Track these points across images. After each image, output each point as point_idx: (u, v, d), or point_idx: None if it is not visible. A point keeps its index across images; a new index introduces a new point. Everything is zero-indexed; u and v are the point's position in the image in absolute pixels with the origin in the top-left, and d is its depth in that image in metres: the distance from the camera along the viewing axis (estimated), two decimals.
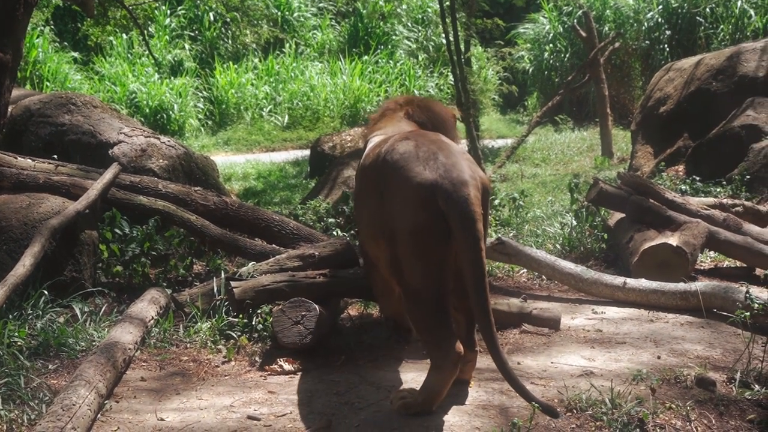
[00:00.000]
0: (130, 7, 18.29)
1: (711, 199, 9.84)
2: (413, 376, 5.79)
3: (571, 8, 24.83)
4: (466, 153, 5.32)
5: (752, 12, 22.31)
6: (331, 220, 9.67)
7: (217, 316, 6.82)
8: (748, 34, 21.94)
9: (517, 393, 4.89)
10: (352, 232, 9.24)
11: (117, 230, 8.05)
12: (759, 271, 8.67)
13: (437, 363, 5.00)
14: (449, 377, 4.99)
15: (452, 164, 4.97)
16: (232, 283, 6.70)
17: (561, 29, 25.88)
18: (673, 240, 8.19)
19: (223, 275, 7.39)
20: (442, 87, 25.81)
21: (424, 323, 5.08)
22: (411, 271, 5.05)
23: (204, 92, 23.98)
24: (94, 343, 6.23)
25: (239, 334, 6.57)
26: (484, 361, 6.09)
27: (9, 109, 6.43)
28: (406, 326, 6.35)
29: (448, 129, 6.26)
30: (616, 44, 20.37)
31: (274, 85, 24.52)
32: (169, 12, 25.67)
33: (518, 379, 4.91)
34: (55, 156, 8.96)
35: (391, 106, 6.50)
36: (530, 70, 26.75)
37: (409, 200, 4.97)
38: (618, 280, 7.73)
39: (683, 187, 11.00)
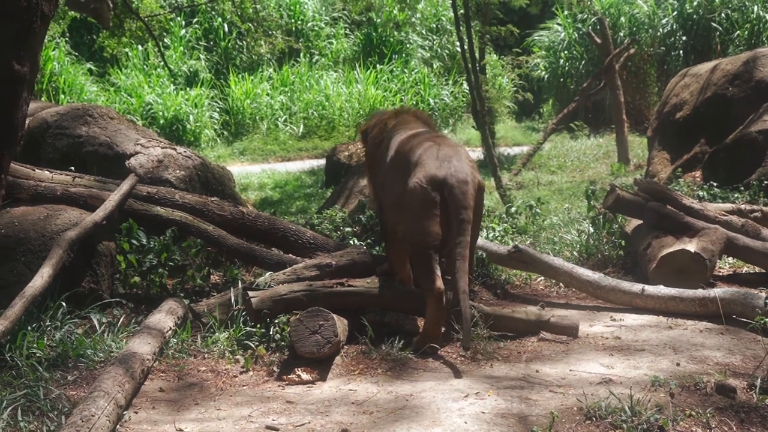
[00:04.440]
0: (146, 19, 18.37)
1: (729, 205, 9.79)
2: (431, 385, 5.78)
3: (585, 15, 24.79)
4: (469, 156, 7.07)
5: None
6: (347, 229, 9.66)
7: (234, 326, 6.83)
8: (764, 39, 21.87)
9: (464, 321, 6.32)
10: (369, 240, 9.24)
11: (134, 241, 8.06)
12: None
13: (426, 294, 6.67)
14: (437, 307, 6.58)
15: (458, 167, 6.77)
16: (250, 293, 6.71)
17: (576, 36, 25.82)
18: (692, 246, 8.15)
19: (240, 285, 7.39)
20: (456, 95, 25.80)
21: (419, 265, 6.88)
22: (417, 230, 6.80)
23: (219, 103, 23.99)
24: (112, 354, 6.24)
25: (257, 344, 6.57)
26: (502, 369, 6.09)
27: (26, 122, 6.45)
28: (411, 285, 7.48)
29: (432, 125, 8.06)
30: (631, 50, 20.34)
31: (289, 94, 24.54)
32: (184, 23, 25.73)
33: (468, 306, 6.40)
34: (73, 168, 8.98)
35: (399, 110, 8.15)
36: (545, 77, 26.69)
37: (423, 184, 6.72)
38: (636, 287, 7.71)
39: (701, 193, 10.95)
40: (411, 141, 7.14)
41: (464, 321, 6.29)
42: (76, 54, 24.93)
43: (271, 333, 6.63)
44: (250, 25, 20.94)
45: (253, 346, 6.56)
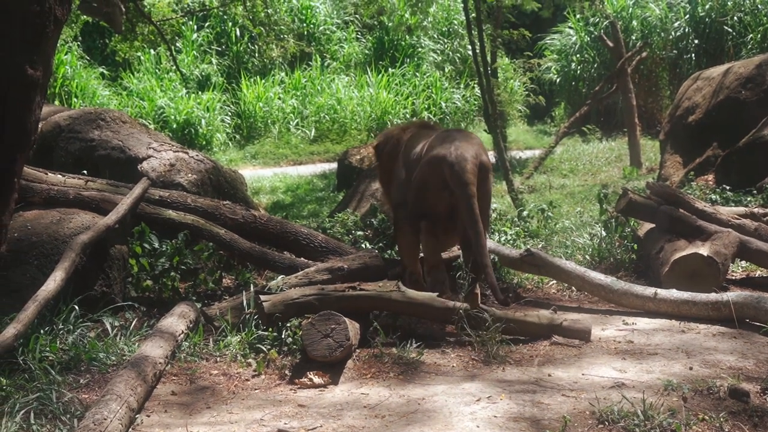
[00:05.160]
0: (158, 23, 18.40)
1: (742, 209, 9.76)
2: (443, 389, 5.78)
3: (597, 19, 24.72)
4: (478, 142, 7.64)
5: None
6: (359, 233, 9.67)
7: (246, 329, 6.82)
8: None
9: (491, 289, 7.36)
10: (381, 244, 9.24)
11: (146, 245, 8.08)
12: None
13: (404, 265, 7.87)
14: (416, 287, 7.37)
15: (460, 146, 7.34)
16: (262, 297, 6.72)
17: (588, 39, 25.75)
18: (704, 250, 8.13)
19: (252, 289, 7.39)
20: (468, 99, 25.75)
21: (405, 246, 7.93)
22: (415, 200, 7.62)
23: (231, 106, 23.99)
24: (124, 358, 6.25)
25: (269, 347, 6.58)
26: (514, 373, 6.08)
27: (39, 126, 6.48)
28: (420, 281, 7.80)
29: (438, 128, 8.69)
30: (643, 54, 20.28)
31: (300, 98, 24.52)
32: (196, 27, 25.74)
33: (494, 276, 7.35)
34: (85, 171, 9.00)
35: (407, 125, 8.85)
36: (557, 80, 26.60)
37: (425, 166, 7.45)
38: (649, 290, 7.69)
39: (713, 196, 10.92)
40: (433, 142, 7.65)
41: (493, 289, 7.31)
42: (89, 58, 24.97)
43: (283, 337, 6.63)
44: (262, 29, 20.94)
45: (265, 349, 6.56)
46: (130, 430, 5.11)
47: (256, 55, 25.89)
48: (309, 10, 27.09)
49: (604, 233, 9.62)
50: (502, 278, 8.70)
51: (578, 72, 25.98)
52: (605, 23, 23.28)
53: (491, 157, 17.22)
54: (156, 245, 8.11)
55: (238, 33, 25.83)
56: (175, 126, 22.24)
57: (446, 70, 26.68)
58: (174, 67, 22.48)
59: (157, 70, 24.71)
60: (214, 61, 25.45)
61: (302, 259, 8.32)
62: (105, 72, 24.87)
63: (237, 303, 7.19)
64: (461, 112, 25.53)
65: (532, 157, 19.83)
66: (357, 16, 27.54)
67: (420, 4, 23.76)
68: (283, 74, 25.41)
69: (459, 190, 7.22)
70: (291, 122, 23.78)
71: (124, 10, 14.87)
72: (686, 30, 23.81)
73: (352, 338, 6.29)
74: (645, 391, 5.35)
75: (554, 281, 8.76)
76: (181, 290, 8.09)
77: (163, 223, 8.28)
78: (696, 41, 23.58)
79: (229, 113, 23.82)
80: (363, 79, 25.14)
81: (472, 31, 14.83)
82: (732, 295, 7.33)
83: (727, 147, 12.47)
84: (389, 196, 8.60)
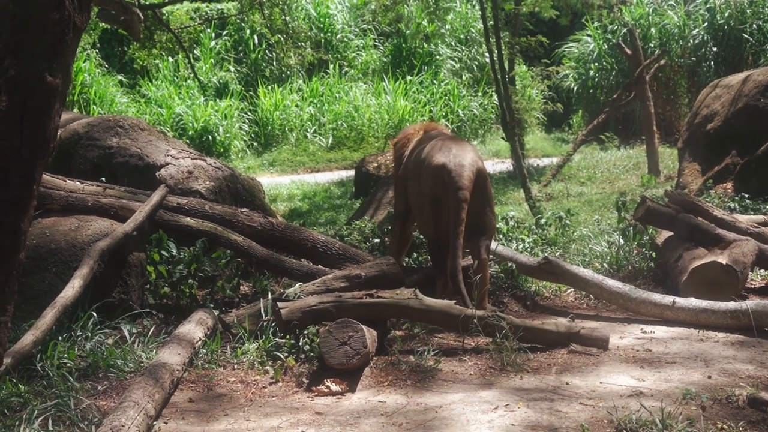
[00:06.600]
0: (176, 31, 18.48)
1: (761, 217, 9.72)
2: (460, 397, 5.76)
3: (616, 26, 24.67)
4: (473, 149, 8.14)
5: None
6: (376, 240, 9.66)
7: (264, 337, 6.83)
8: None
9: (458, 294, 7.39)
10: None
11: (164, 252, 8.09)
12: None
13: (436, 276, 7.96)
14: (442, 285, 7.73)
15: (458, 154, 7.78)
16: (279, 304, 6.72)
17: (606, 47, 25.69)
18: (723, 258, 8.09)
19: (269, 296, 7.40)
20: (486, 106, 25.75)
21: (433, 256, 8.16)
22: (427, 224, 8.14)
23: (249, 114, 24.04)
24: (142, 365, 6.26)
25: (286, 355, 6.58)
26: (532, 381, 6.06)
27: (58, 133, 6.49)
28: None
29: (445, 132, 9.11)
30: (662, 61, 20.23)
31: (318, 106, 24.55)
32: (214, 35, 25.84)
33: (461, 282, 7.47)
34: (103, 178, 9.04)
35: (420, 127, 9.12)
36: (575, 88, 26.53)
37: (429, 175, 7.83)
38: (667, 299, 7.66)
39: (732, 204, 10.88)
40: (432, 151, 8.03)
41: (460, 294, 7.38)
42: (107, 66, 25.09)
43: (300, 344, 6.63)
44: (280, 36, 21.01)
45: (282, 357, 6.56)
46: None
47: (274, 62, 25.97)
48: (326, 18, 27.16)
49: (622, 241, 9.60)
50: (520, 286, 8.69)
51: (596, 80, 25.93)
52: (623, 31, 23.23)
53: (508, 165, 17.37)
54: (174, 252, 8.13)
55: (255, 41, 25.92)
56: (192, 133, 22.31)
57: (464, 77, 26.70)
58: (192, 75, 22.57)
59: (175, 78, 24.81)
60: (231, 68, 25.54)
61: (320, 266, 8.32)
62: (123, 79, 25.00)
63: (254, 310, 7.19)
64: (479, 119, 25.54)
65: (549, 165, 19.78)
66: (374, 23, 27.56)
67: (437, 12, 23.77)
68: (300, 82, 25.47)
69: (453, 195, 7.58)
70: (308, 130, 23.83)
71: (142, 17, 14.93)
72: (705, 38, 23.73)
73: (370, 346, 6.29)
74: (663, 400, 5.33)
75: (572, 289, 8.73)
76: (198, 297, 8.10)
77: (181, 230, 8.29)
78: (714, 49, 23.50)
79: (247, 121, 23.88)
80: (380, 87, 25.17)
81: (490, 39, 14.82)
82: (751, 303, 7.29)
83: (746, 155, 12.42)
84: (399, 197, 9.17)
